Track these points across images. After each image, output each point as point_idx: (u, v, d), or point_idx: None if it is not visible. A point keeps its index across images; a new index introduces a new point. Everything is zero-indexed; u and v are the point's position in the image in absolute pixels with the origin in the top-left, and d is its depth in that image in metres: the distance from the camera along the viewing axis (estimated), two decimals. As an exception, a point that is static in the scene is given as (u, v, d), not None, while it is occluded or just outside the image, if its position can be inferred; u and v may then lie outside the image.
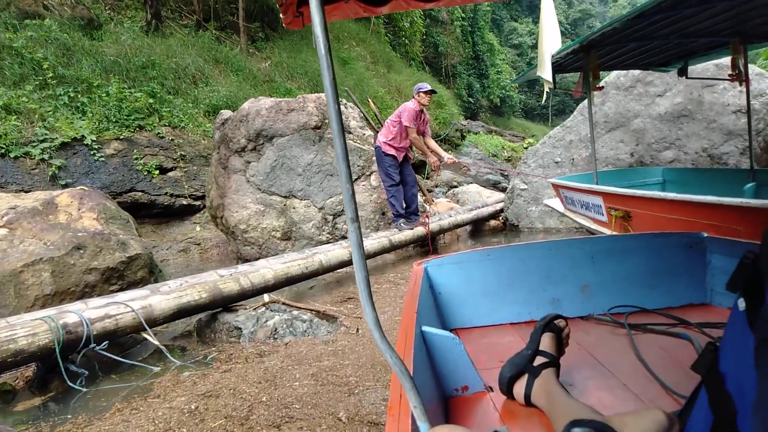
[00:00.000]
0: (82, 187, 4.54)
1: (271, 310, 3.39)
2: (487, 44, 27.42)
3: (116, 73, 9.29)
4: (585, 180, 5.40)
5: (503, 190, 12.98)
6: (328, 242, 6.86)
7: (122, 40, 10.02)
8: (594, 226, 5.00)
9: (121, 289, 4.04)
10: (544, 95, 5.42)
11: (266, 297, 3.51)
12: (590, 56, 4.60)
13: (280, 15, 1.63)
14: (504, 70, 30.10)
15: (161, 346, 2.97)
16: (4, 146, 7.08)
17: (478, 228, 7.94)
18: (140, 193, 8.19)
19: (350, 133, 7.21)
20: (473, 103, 25.13)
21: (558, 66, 5.12)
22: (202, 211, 8.91)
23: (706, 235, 1.87)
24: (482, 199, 8.93)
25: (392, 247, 5.51)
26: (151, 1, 11.48)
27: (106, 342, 2.75)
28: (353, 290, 4.49)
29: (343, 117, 7.21)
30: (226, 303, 3.42)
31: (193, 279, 3.49)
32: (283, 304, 3.45)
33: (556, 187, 5.78)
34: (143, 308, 2.92)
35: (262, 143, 7.06)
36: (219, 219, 7.57)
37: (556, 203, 6.10)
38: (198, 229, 8.78)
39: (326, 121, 7.00)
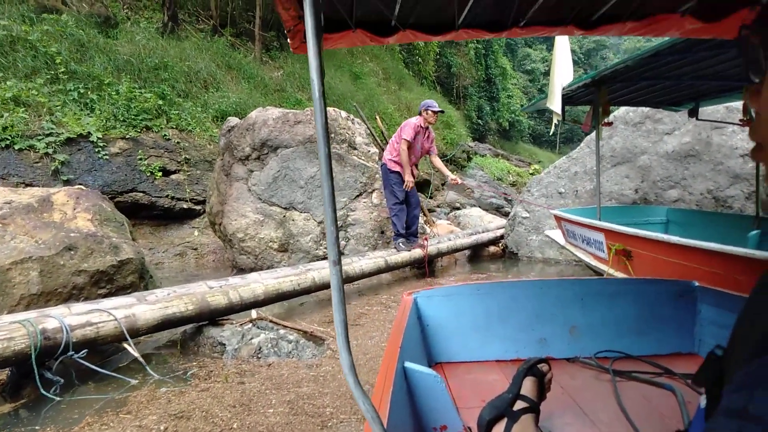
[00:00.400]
0: (79, 186, 4.51)
1: (258, 327, 3.32)
2: (500, 68, 27.58)
3: (128, 72, 9.34)
4: (588, 214, 5.34)
5: (506, 214, 12.91)
6: (324, 257, 6.79)
7: (137, 40, 10.08)
8: (593, 262, 4.93)
9: (110, 293, 3.98)
10: (553, 127, 5.39)
11: (254, 313, 3.45)
12: (601, 91, 4.57)
13: (288, 40, 1.65)
14: (515, 94, 30.22)
15: (141, 359, 2.90)
16: (9, 138, 7.09)
17: (477, 253, 7.87)
18: (141, 194, 8.17)
19: (355, 149, 7.19)
20: (482, 125, 25.19)
21: (568, 98, 5.10)
22: (201, 216, 8.89)
23: (697, 284, 1.87)
24: (483, 224, 8.88)
25: (388, 268, 5.45)
26: (169, 3, 11.59)
27: (85, 350, 2.69)
28: (360, 316, 4.41)
29: (349, 132, 7.20)
30: (213, 316, 3.36)
31: (182, 289, 3.43)
32: (270, 321, 3.38)
33: (558, 218, 5.72)
34: (126, 318, 2.86)
35: (267, 153, 7.04)
36: (217, 225, 7.53)
37: (557, 235, 6.04)
38: (196, 233, 8.74)
39: (331, 135, 6.99)
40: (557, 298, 1.88)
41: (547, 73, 38.65)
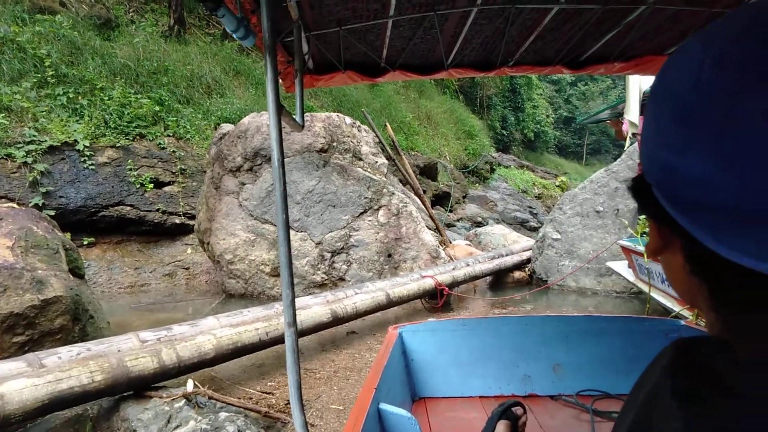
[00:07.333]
0: (11, 204, 3.73)
1: (196, 404, 2.43)
2: (525, 77, 26.51)
3: (124, 76, 8.66)
4: None
5: (532, 230, 11.85)
6: (322, 283, 5.92)
7: (135, 43, 9.42)
8: (677, 308, 3.88)
9: (31, 341, 3.16)
10: (627, 142, 4.34)
11: (190, 384, 2.53)
12: None
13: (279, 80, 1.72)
14: (541, 104, 29.21)
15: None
16: (-16, 146, 6.42)
17: (500, 279, 6.87)
18: (128, 208, 7.43)
19: (360, 159, 6.31)
20: (506, 136, 24.20)
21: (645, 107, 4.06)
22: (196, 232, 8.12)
23: (683, 323, 1.86)
24: (507, 244, 7.87)
25: (390, 304, 4.49)
26: (175, 6, 10.97)
27: None
28: (324, 364, 3.50)
29: (354, 141, 6.32)
30: (134, 387, 2.48)
31: (99, 346, 2.56)
32: (210, 397, 2.49)
33: (626, 251, 4.66)
34: (-11, 401, 2.00)
35: (260, 163, 6.22)
36: (206, 244, 6.73)
37: (622, 268, 4.99)
38: (189, 251, 7.96)
39: (333, 143, 6.12)
40: (542, 335, 1.88)
41: (573, 84, 37.40)
